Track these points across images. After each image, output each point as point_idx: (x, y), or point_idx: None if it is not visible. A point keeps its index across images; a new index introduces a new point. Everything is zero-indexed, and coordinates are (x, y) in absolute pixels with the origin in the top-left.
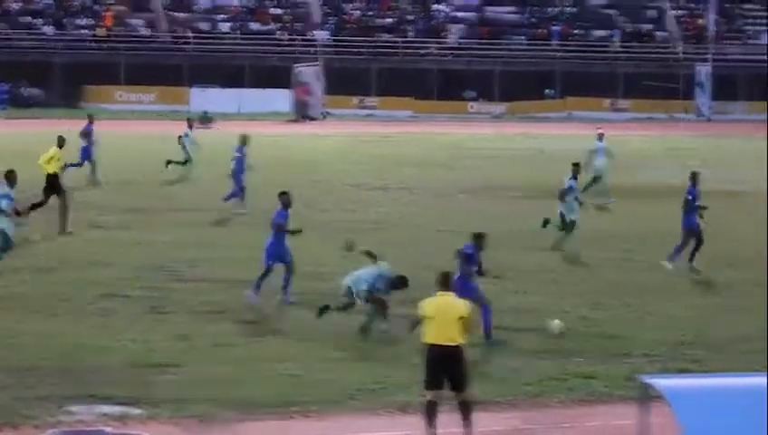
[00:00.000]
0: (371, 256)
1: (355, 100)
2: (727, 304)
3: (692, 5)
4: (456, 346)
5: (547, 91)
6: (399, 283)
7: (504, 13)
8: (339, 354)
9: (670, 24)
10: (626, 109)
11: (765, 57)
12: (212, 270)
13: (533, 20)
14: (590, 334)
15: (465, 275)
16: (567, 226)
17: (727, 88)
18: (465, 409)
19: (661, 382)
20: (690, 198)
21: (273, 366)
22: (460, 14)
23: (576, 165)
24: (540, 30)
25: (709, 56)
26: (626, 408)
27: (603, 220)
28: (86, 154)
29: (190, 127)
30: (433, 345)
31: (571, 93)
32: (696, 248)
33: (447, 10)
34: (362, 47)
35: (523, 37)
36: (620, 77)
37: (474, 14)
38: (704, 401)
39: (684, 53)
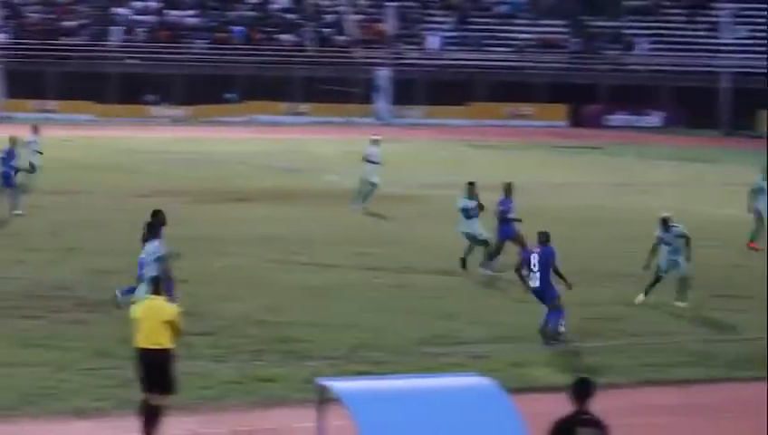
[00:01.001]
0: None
1: (35, 103)
2: (409, 306)
3: (371, 10)
4: (163, 350)
5: (228, 94)
6: None
7: (185, 16)
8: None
9: (349, 29)
10: (305, 113)
11: (442, 62)
12: None
13: (214, 24)
14: (268, 338)
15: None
16: (480, 242)
17: (406, 92)
18: (156, 412)
19: (338, 385)
20: (503, 208)
21: None
22: (141, 18)
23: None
24: (221, 34)
25: (388, 60)
26: (305, 411)
27: (277, 225)
28: None
29: (36, 132)
30: (141, 349)
31: (252, 97)
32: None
33: (128, 13)
34: (42, 50)
35: (204, 41)
36: (300, 81)
37: (154, 17)
38: (380, 403)
39: (363, 57)
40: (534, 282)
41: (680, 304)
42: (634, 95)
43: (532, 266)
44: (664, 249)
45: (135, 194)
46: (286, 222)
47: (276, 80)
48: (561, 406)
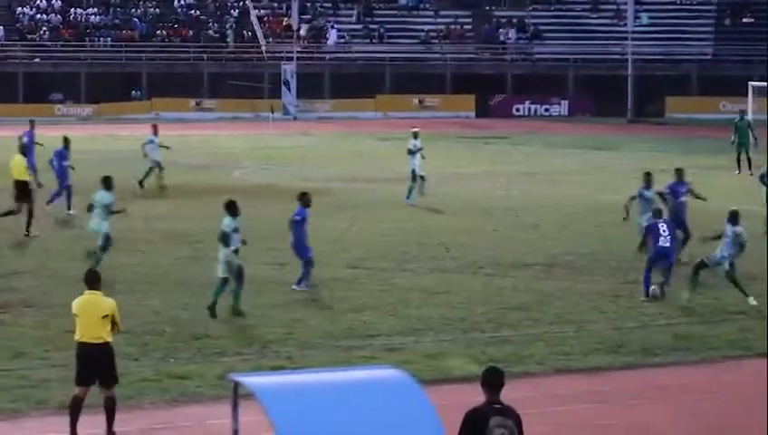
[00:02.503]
0: None
1: None
2: (322, 300)
3: (275, 5)
4: (103, 343)
5: (134, 92)
6: None
7: (89, 14)
8: None
9: (255, 24)
10: (212, 109)
11: (349, 55)
12: None
13: (118, 21)
14: (182, 335)
15: None
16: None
17: (314, 86)
18: (110, 406)
19: (250, 380)
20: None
21: None
22: (44, 17)
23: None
24: (125, 31)
25: (294, 55)
26: (219, 407)
27: (187, 221)
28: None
29: (155, 132)
30: (81, 343)
31: (158, 94)
32: None
33: (32, 13)
34: None
35: (108, 39)
36: (205, 77)
37: (57, 16)
38: (294, 397)
39: (269, 52)
40: None
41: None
42: (540, 84)
43: None
44: (724, 241)
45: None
46: (195, 218)
47: (183, 76)
48: (476, 396)
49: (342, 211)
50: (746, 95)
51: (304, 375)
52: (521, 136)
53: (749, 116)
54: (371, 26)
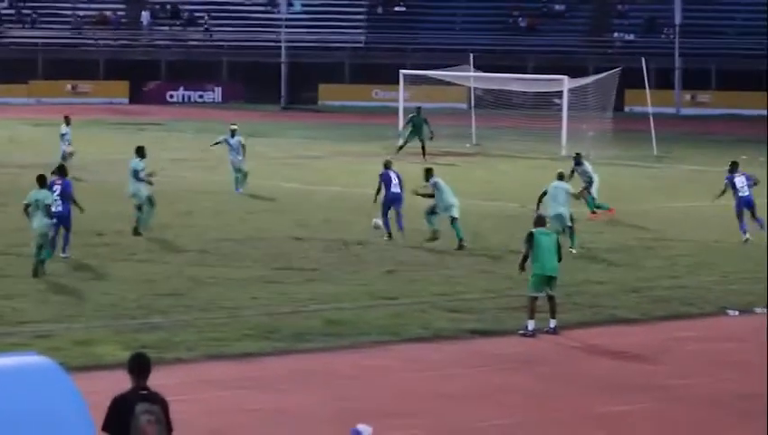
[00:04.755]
0: None
1: None
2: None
3: None
4: None
5: None
6: None
7: None
8: None
9: None
10: None
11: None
12: None
13: None
14: None
15: None
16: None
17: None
18: None
19: None
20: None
21: None
22: None
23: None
24: None
25: None
26: None
27: None
28: None
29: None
30: None
31: None
32: None
33: None
34: None
35: None
36: None
37: None
38: None
39: None
40: None
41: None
42: (194, 71)
43: None
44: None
45: None
46: None
47: None
48: (127, 383)
49: None
50: (398, 83)
51: None
52: (175, 123)
53: (400, 104)
54: (24, 11)
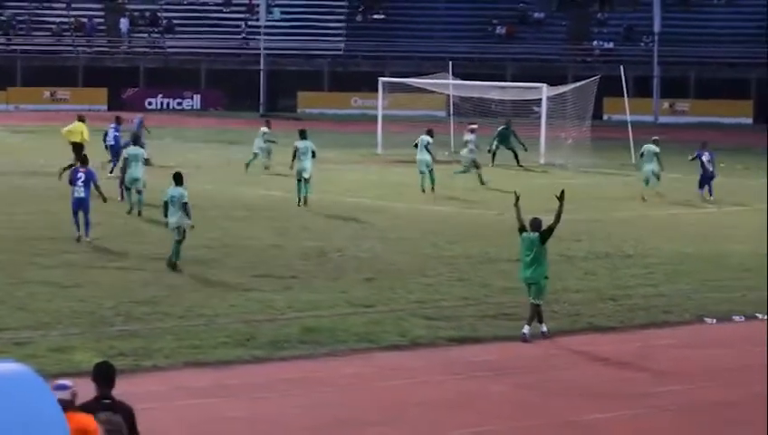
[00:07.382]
0: None
1: None
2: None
3: None
4: None
5: None
6: None
7: None
8: None
9: None
10: None
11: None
12: None
13: None
14: None
15: None
16: None
17: None
18: None
19: None
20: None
21: None
22: None
23: None
24: None
25: None
26: None
27: None
28: None
29: (268, 126)
30: None
31: None
32: None
33: None
34: None
35: None
36: None
37: None
38: None
39: None
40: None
41: None
42: (173, 78)
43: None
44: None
45: None
46: None
47: None
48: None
49: None
50: (377, 91)
51: None
52: (153, 130)
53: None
54: (2, 18)
